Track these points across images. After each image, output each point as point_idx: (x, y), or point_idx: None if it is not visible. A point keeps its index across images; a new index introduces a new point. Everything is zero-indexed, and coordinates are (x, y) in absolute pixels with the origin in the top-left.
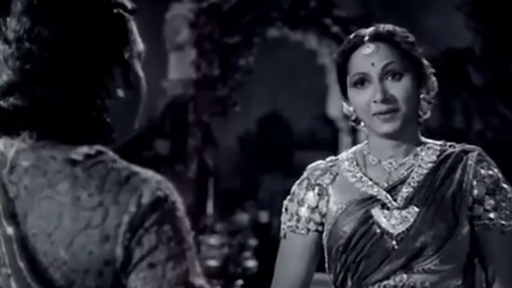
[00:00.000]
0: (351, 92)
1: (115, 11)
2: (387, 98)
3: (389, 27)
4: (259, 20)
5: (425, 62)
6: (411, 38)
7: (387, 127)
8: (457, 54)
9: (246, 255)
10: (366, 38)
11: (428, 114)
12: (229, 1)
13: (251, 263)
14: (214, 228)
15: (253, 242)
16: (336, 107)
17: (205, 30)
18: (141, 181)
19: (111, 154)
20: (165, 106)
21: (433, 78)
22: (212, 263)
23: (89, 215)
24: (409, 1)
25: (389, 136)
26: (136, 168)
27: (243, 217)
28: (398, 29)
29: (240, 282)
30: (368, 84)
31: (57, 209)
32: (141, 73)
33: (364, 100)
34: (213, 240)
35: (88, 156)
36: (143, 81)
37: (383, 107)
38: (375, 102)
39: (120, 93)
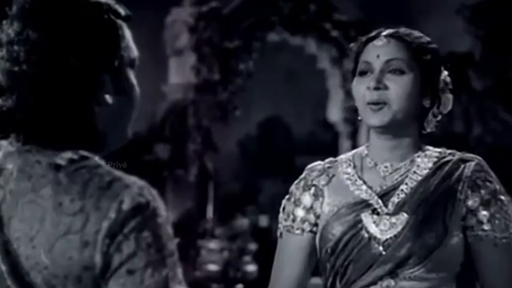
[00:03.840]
0: (355, 81)
1: (105, 17)
2: (379, 87)
3: (413, 31)
4: (259, 25)
5: (442, 75)
6: (431, 46)
7: (375, 119)
8: (457, 58)
9: (246, 259)
10: (384, 33)
11: (433, 129)
12: (229, 6)
13: (251, 268)
14: (214, 233)
15: (253, 246)
16: (336, 111)
17: (205, 35)
18: (123, 187)
19: (95, 159)
20: (166, 110)
21: (449, 95)
22: (212, 267)
23: (70, 220)
24: (409, 6)
25: (381, 131)
26: (119, 173)
27: (243, 222)
28: (421, 34)
29: (240, 286)
30: (370, 74)
31: (40, 214)
32: (133, 80)
33: (362, 87)
34: (213, 244)
35: (71, 161)
36: (136, 88)
37: (375, 95)
38: (368, 89)
39: (109, 99)
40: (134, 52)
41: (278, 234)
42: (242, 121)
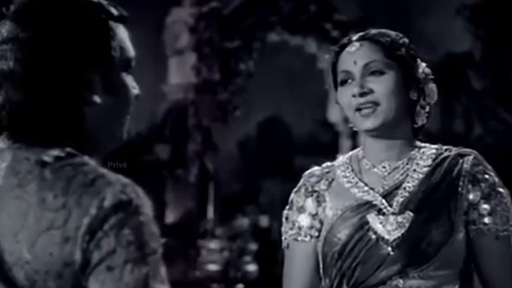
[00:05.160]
0: (339, 90)
1: (95, 17)
2: (364, 92)
3: (380, 30)
4: (259, 25)
5: (421, 67)
6: (402, 40)
7: (368, 123)
8: (456, 58)
9: (246, 259)
10: (354, 38)
11: (424, 121)
12: (229, 6)
13: (251, 268)
14: (214, 233)
15: (253, 246)
16: (336, 111)
17: (205, 35)
18: (106, 184)
19: (83, 157)
20: (166, 110)
21: (432, 85)
22: (213, 267)
23: (52, 216)
24: (409, 6)
25: (375, 134)
26: (104, 171)
27: (243, 222)
28: (389, 31)
29: (240, 286)
30: (351, 81)
31: (24, 209)
32: (127, 81)
33: (347, 96)
34: (213, 244)
35: (58, 158)
36: (130, 89)
37: (361, 100)
38: (354, 96)
39: (97, 99)
40: (130, 52)
41: (285, 245)
42: (242, 121)
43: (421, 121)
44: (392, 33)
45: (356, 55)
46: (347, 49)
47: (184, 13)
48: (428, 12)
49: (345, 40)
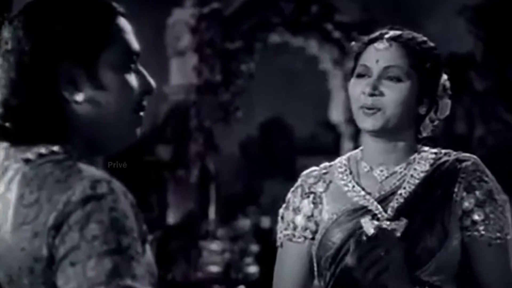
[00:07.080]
0: (353, 81)
1: (72, 11)
2: (374, 93)
3: (416, 35)
4: (260, 26)
5: (442, 80)
6: (433, 52)
7: (367, 123)
8: (458, 59)
9: (248, 260)
10: (386, 35)
11: (429, 133)
12: (230, 7)
13: (253, 269)
14: (215, 234)
15: (254, 247)
16: (338, 112)
17: (206, 36)
18: (78, 180)
19: (69, 155)
20: (167, 111)
21: (447, 101)
22: (214, 268)
23: (26, 211)
24: (410, 6)
25: (374, 135)
26: (83, 168)
27: (245, 223)
28: (424, 38)
29: (241, 287)
30: (367, 77)
31: (8, 205)
32: (127, 76)
33: (358, 90)
34: (215, 245)
35: (40, 156)
36: (131, 84)
37: (369, 100)
38: (363, 93)
39: (81, 97)
40: (132, 45)
41: (278, 244)
42: (243, 122)
43: (426, 133)
44: (426, 43)
45: (381, 54)
46: (375, 44)
47: (186, 14)
48: (429, 13)
49: (377, 33)
